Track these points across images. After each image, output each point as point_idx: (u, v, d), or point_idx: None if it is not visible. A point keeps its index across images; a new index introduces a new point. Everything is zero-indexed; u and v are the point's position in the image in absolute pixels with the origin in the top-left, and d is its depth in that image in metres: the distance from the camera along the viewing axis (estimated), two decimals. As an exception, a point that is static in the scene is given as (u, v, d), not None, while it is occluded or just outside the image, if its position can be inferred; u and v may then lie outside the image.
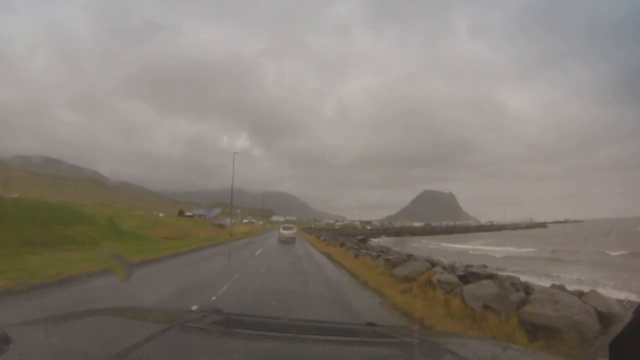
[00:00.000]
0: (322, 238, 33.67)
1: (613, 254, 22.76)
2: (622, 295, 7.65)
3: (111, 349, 1.06)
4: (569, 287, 6.75)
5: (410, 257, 12.38)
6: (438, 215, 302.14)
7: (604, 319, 4.27)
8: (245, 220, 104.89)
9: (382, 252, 17.04)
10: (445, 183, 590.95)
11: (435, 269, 8.56)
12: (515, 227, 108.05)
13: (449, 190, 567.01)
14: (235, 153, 73.51)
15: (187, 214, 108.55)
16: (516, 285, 6.09)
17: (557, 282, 8.27)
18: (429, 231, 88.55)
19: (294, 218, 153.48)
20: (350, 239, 39.77)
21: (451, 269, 9.14)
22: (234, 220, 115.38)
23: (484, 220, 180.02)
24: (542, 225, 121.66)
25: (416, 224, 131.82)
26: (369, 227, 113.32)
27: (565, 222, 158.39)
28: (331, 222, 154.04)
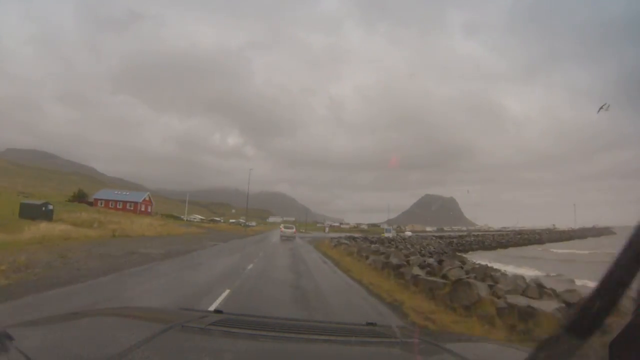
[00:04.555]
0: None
1: None
2: None
3: (111, 349, 1.05)
4: None
5: None
6: (440, 220, 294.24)
7: None
8: (232, 220, 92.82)
9: None
10: (442, 187, 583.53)
11: None
12: (581, 234, 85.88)
13: (449, 194, 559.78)
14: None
15: (98, 197, 62.76)
16: None
17: None
18: (494, 243, 59.81)
19: (292, 219, 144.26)
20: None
21: None
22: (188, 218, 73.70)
23: (496, 226, 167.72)
24: (601, 231, 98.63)
25: (429, 229, 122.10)
26: (407, 233, 76.31)
27: (593, 228, 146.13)
28: (335, 224, 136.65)
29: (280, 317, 2.24)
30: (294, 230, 34.99)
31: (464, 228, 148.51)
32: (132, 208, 60.62)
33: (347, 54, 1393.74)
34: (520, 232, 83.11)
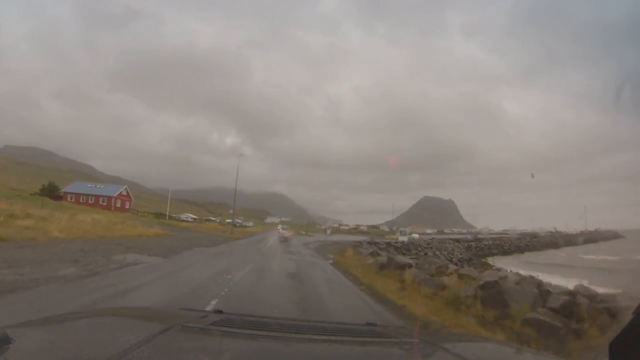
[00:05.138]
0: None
1: None
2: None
3: (111, 349, 1.05)
4: None
5: None
6: (439, 222, 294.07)
7: None
8: (228, 220, 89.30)
9: None
10: (440, 189, 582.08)
11: None
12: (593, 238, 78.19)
13: (447, 196, 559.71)
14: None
15: (67, 190, 55.21)
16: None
17: None
18: (512, 247, 55.23)
19: (289, 219, 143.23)
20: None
21: None
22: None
23: (497, 228, 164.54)
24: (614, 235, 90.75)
25: (429, 231, 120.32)
26: (414, 235, 61.11)
27: (595, 231, 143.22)
28: (335, 226, 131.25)
29: (280, 317, 2.18)
30: (291, 233, 37.48)
31: (464, 230, 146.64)
32: (105, 203, 53.59)
33: (346, 54, 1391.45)
34: (536, 236, 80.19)
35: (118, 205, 55.95)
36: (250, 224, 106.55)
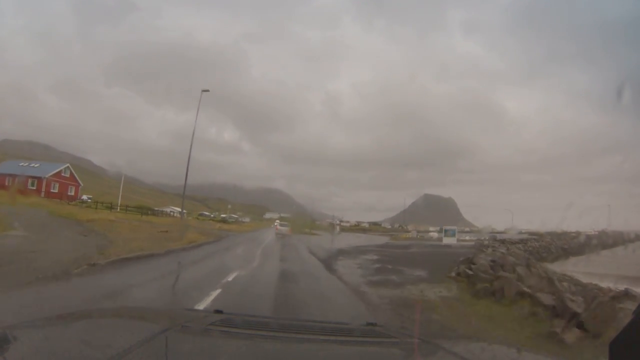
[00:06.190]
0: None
1: None
2: None
3: (111, 349, 1.05)
4: None
5: None
6: (439, 220, 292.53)
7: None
8: (223, 215, 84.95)
9: None
10: (440, 187, 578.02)
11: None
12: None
13: (448, 194, 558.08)
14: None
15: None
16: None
17: None
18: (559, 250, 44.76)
19: (288, 215, 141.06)
20: None
21: None
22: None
23: (498, 227, 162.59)
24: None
25: (432, 229, 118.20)
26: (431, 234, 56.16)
27: (602, 232, 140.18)
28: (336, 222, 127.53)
29: (280, 317, 2.18)
30: (289, 228, 36.97)
31: (467, 229, 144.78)
32: (35, 187, 41.46)
33: (345, 49, 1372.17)
34: (541, 236, 76.42)
35: (55, 190, 43.69)
36: (247, 219, 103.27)
